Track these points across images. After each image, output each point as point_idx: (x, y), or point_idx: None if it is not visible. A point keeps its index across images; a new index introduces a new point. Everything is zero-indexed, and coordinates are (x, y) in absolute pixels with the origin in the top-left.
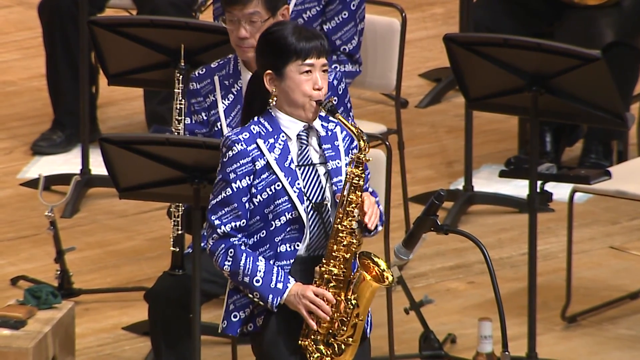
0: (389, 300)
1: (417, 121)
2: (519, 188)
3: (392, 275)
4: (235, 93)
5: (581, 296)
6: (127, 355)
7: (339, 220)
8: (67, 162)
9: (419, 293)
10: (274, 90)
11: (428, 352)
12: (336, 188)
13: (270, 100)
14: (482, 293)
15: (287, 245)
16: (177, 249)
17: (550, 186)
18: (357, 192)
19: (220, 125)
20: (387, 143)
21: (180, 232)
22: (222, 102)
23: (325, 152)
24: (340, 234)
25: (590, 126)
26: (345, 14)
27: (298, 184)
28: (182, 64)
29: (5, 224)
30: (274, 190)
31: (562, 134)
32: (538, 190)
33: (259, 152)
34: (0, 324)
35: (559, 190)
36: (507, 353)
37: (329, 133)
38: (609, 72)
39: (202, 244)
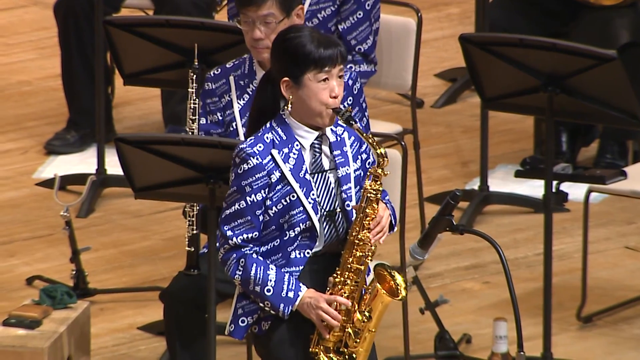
0: (404, 300)
1: (433, 121)
2: (534, 188)
3: (406, 290)
4: (250, 93)
5: (596, 296)
6: (142, 355)
7: (354, 233)
8: (83, 162)
9: (434, 293)
10: (291, 97)
11: (443, 352)
12: (345, 196)
13: (287, 107)
14: (498, 293)
15: (298, 252)
16: (192, 249)
17: (565, 186)
18: (373, 205)
19: (236, 125)
20: (403, 143)
21: (195, 231)
22: (238, 102)
23: (336, 158)
24: (355, 246)
25: (606, 126)
26: (360, 14)
27: (313, 194)
28: (196, 63)
29: (21, 224)
30: (289, 201)
31: (577, 134)
32: (554, 190)
33: (273, 164)
34: (15, 324)
35: (575, 190)
36: (522, 353)
37: (338, 138)
38: (624, 72)
39: (218, 244)
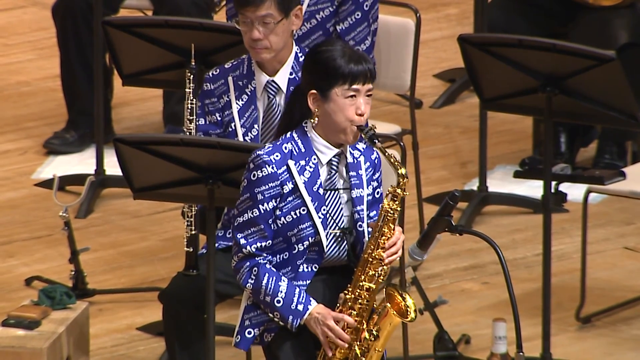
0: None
1: (432, 122)
2: (533, 188)
3: (415, 313)
4: (249, 94)
5: (595, 297)
6: (141, 355)
7: (369, 251)
8: (82, 163)
9: (433, 293)
10: (317, 110)
11: (442, 353)
12: (358, 216)
13: (312, 120)
14: (497, 294)
15: (306, 266)
16: (191, 250)
17: (564, 187)
18: (390, 224)
19: (235, 125)
20: (402, 143)
21: (193, 232)
22: (236, 103)
23: (351, 179)
24: (368, 265)
25: (605, 127)
26: (358, 15)
27: (324, 209)
28: (193, 63)
29: (20, 225)
30: (298, 215)
31: (576, 134)
32: (552, 190)
33: (288, 175)
34: (14, 324)
35: (574, 191)
36: (521, 354)
37: (355, 161)
38: (623, 73)
39: (217, 245)
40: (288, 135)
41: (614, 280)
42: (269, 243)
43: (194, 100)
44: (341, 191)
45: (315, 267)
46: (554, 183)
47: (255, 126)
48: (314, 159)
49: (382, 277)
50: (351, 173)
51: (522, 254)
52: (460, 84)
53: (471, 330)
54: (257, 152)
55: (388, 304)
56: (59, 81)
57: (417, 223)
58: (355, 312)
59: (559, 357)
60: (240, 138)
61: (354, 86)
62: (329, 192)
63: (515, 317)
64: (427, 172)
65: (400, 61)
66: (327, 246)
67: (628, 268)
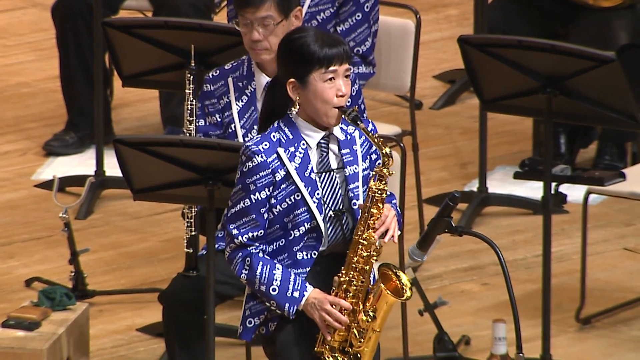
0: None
1: (432, 123)
2: (533, 190)
3: (411, 290)
4: (249, 95)
5: (595, 298)
6: (141, 356)
7: (359, 232)
8: (82, 164)
9: (433, 294)
10: (297, 98)
11: (442, 354)
12: (352, 195)
13: (293, 108)
14: (496, 294)
15: (305, 253)
16: (191, 251)
17: (564, 188)
18: (378, 204)
19: (235, 126)
20: (402, 145)
21: (193, 233)
22: (236, 104)
23: (344, 157)
24: (360, 246)
25: (605, 128)
26: (358, 16)
27: (318, 193)
28: (192, 64)
29: (20, 226)
30: (293, 201)
31: (576, 135)
32: (552, 191)
33: (279, 163)
34: (14, 326)
35: (573, 192)
36: (521, 355)
37: (348, 137)
38: (623, 74)
39: (216, 246)
40: (275, 124)
41: (614, 281)
42: (261, 233)
43: (194, 101)
44: (335, 171)
45: (314, 254)
46: (554, 184)
47: (255, 127)
48: (303, 144)
49: (374, 258)
50: (343, 151)
51: (522, 255)
52: (460, 85)
53: (471, 331)
54: (246, 144)
55: (382, 284)
56: (58, 82)
57: (417, 224)
58: (350, 294)
59: (558, 358)
60: (241, 139)
61: (331, 68)
62: (323, 174)
63: (515, 318)
64: (427, 173)
65: (400, 62)
66: (325, 229)
67: (628, 269)
